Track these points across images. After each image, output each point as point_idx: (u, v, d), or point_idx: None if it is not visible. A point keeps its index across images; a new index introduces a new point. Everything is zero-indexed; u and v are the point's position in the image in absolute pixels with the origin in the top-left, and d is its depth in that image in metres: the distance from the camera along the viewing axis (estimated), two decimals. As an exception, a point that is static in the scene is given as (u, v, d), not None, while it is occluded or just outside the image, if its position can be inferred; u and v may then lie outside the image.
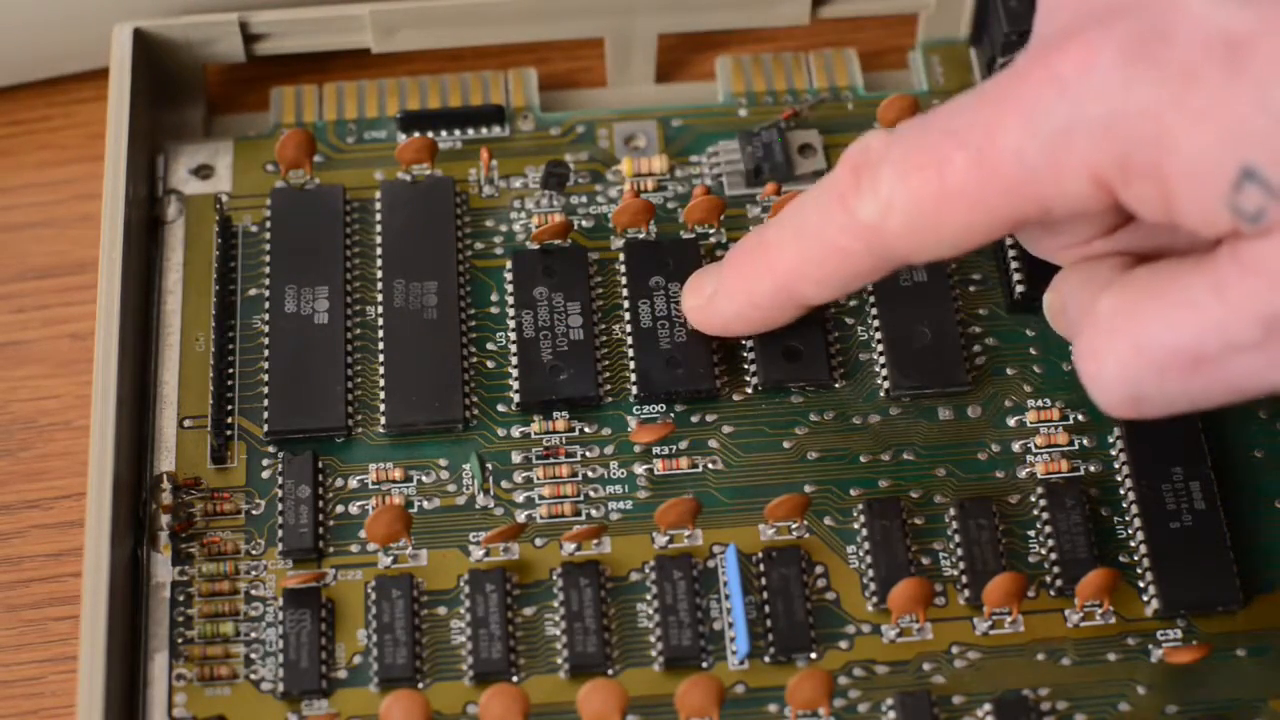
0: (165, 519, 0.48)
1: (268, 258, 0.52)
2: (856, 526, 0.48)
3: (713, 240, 0.52)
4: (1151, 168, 0.40)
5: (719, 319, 0.49)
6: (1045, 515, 0.48)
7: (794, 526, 0.48)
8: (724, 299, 0.48)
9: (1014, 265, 0.51)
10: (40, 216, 0.56)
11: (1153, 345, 0.41)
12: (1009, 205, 0.41)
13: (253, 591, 0.47)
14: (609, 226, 0.53)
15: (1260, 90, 0.38)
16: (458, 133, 0.54)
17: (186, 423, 0.50)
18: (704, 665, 0.47)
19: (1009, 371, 0.50)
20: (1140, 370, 0.41)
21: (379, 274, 0.51)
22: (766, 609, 0.47)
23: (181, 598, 0.47)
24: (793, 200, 0.47)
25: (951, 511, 0.48)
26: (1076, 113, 0.40)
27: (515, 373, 0.50)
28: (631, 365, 0.50)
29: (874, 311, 0.51)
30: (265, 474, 0.49)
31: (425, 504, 0.49)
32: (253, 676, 0.46)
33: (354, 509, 0.49)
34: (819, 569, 0.48)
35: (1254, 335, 0.40)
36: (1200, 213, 0.40)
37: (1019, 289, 0.51)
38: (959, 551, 0.48)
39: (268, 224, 0.52)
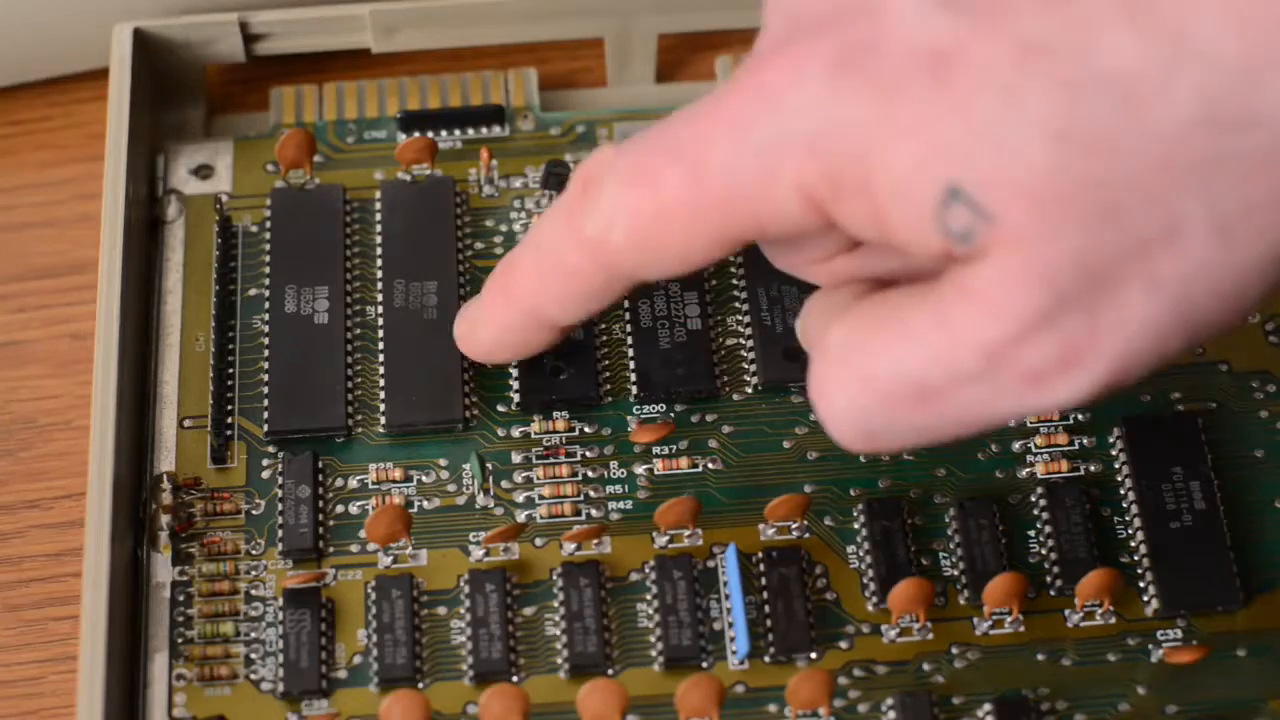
0: (165, 519, 0.48)
1: (268, 258, 0.52)
2: (856, 526, 0.48)
3: (713, 240, 0.52)
4: (860, 185, 0.38)
5: (483, 347, 0.48)
6: (1045, 515, 0.48)
7: (794, 526, 0.48)
8: (482, 327, 0.47)
9: (1014, 265, 0.51)
10: (40, 216, 0.56)
11: (878, 378, 0.39)
12: (725, 223, 0.40)
13: (253, 591, 0.47)
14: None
15: (965, 103, 0.37)
16: (458, 133, 0.54)
17: (186, 423, 0.50)
18: (704, 665, 0.47)
19: (1009, 371, 0.50)
20: (868, 403, 0.40)
21: (379, 274, 0.51)
22: (766, 609, 0.47)
23: (181, 598, 0.47)
24: (537, 218, 0.46)
25: (951, 511, 0.48)
26: (784, 127, 0.39)
27: (515, 373, 0.50)
28: (631, 365, 0.50)
29: (874, 311, 0.51)
30: (265, 474, 0.49)
31: (425, 504, 0.49)
32: (253, 676, 0.46)
33: (354, 509, 0.49)
34: (819, 569, 0.48)
35: (977, 366, 0.38)
36: (910, 232, 0.38)
37: (1019, 289, 0.51)
38: (959, 551, 0.48)
39: (268, 224, 0.52)
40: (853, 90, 0.38)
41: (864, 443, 0.41)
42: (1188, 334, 0.38)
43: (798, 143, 0.39)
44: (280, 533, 0.48)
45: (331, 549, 0.48)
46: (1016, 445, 0.49)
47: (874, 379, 0.40)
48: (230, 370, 0.50)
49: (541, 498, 0.49)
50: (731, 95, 0.40)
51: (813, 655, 0.47)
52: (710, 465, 0.49)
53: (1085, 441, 0.49)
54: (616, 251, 0.42)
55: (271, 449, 0.49)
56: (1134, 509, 0.48)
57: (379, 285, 0.51)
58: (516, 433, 0.50)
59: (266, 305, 0.51)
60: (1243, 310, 0.38)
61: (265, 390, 0.50)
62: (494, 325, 0.47)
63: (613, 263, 0.43)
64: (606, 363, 0.50)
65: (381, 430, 0.49)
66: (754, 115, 0.39)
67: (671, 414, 0.50)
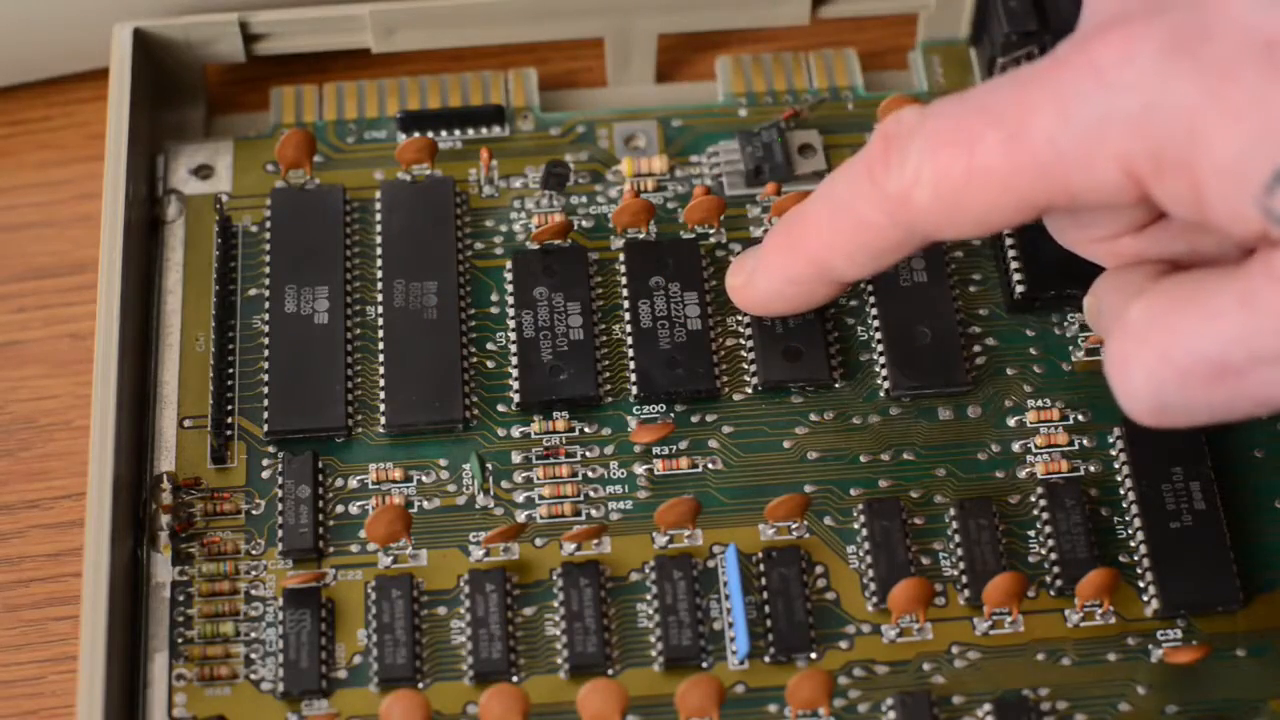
0: (165, 519, 0.48)
1: (268, 258, 0.52)
2: (856, 526, 0.48)
3: (713, 240, 0.52)
4: (1183, 163, 0.39)
5: (759, 298, 0.49)
6: (1045, 515, 0.48)
7: (794, 526, 0.48)
8: (761, 276, 0.48)
9: (1014, 265, 0.51)
10: (40, 216, 0.56)
11: (1178, 354, 0.41)
12: (1036, 189, 0.41)
13: (253, 591, 0.47)
14: (609, 226, 0.53)
15: None
16: (458, 133, 0.54)
17: (186, 423, 0.50)
18: (704, 665, 0.47)
19: (1009, 371, 0.50)
20: (1165, 379, 0.41)
21: (379, 274, 0.51)
22: (766, 609, 0.47)
23: (181, 598, 0.47)
24: (831, 173, 0.46)
25: (951, 511, 0.48)
26: (1112, 102, 0.40)
27: (515, 373, 0.50)
28: (631, 365, 0.50)
29: (874, 311, 0.51)
30: (265, 474, 0.49)
31: (425, 504, 0.49)
32: (253, 676, 0.46)
33: (354, 509, 0.49)
34: (819, 569, 0.48)
35: (1278, 347, 0.39)
36: (1230, 212, 0.39)
37: (1019, 289, 0.51)
38: (959, 551, 0.48)
39: (268, 224, 0.52)
40: (1184, 71, 0.39)
41: (1157, 417, 0.42)
42: None
43: (1125, 118, 0.40)
44: (280, 533, 0.48)
45: (331, 549, 0.48)
46: (1016, 445, 0.49)
47: (1174, 355, 0.41)
48: (230, 370, 0.50)
49: (541, 498, 0.49)
50: (1059, 68, 0.41)
51: (813, 655, 0.47)
52: (710, 465, 0.49)
53: (1085, 441, 0.49)
54: (919, 210, 0.43)
55: (271, 449, 0.49)
56: (1134, 509, 0.48)
57: (379, 285, 0.51)
58: (516, 433, 0.50)
59: (266, 305, 0.51)
60: None
61: (265, 390, 0.50)
62: (776, 275, 0.48)
63: (913, 221, 0.43)
64: (606, 363, 0.50)
65: (381, 430, 0.49)
66: (1082, 88, 0.40)
67: (671, 414, 0.50)
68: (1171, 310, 0.41)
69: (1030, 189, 0.42)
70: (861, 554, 0.48)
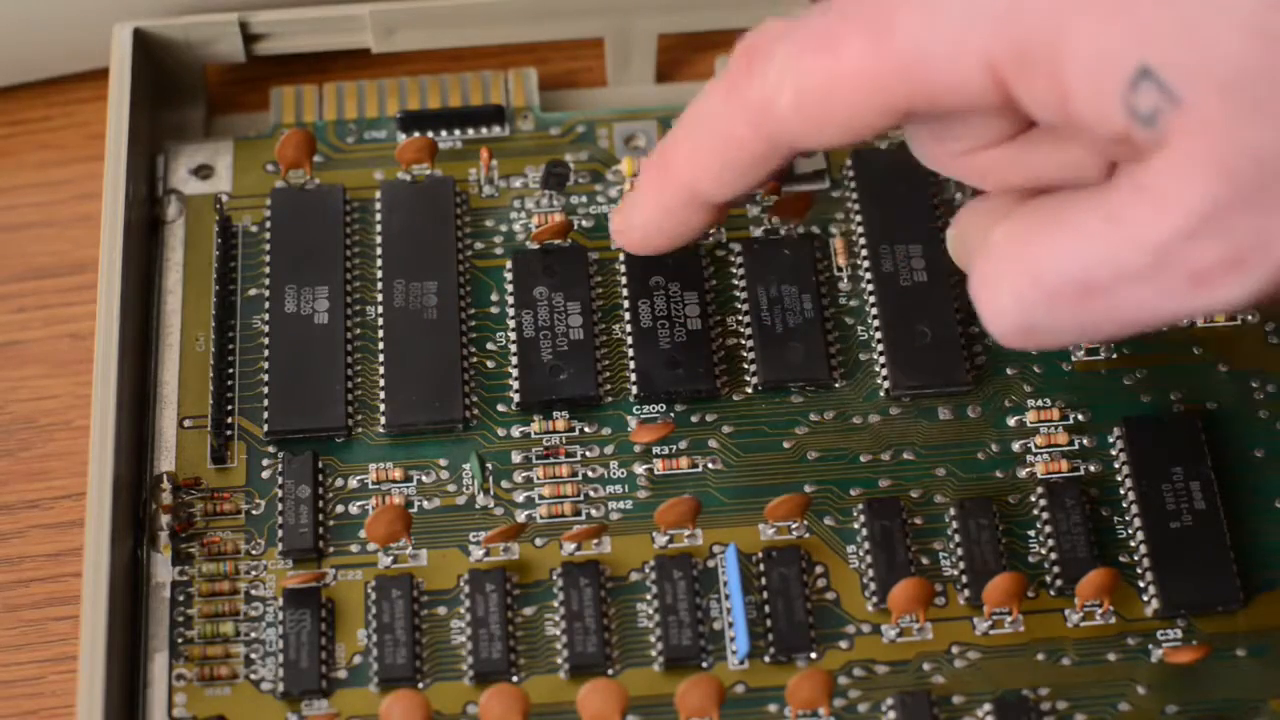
0: (165, 519, 0.48)
1: (268, 258, 0.52)
2: (856, 526, 0.48)
3: (712, 240, 0.52)
4: (1048, 61, 0.39)
5: (638, 233, 0.48)
6: (1045, 515, 0.48)
7: (794, 526, 0.48)
8: (636, 212, 0.48)
9: (1014, 265, 0.51)
10: (40, 216, 0.56)
11: (1044, 274, 0.40)
12: (899, 91, 0.41)
13: (253, 591, 0.47)
14: (609, 226, 0.53)
15: None
16: (458, 133, 0.54)
17: (186, 423, 0.50)
18: (704, 665, 0.47)
19: (1009, 371, 0.50)
20: (1032, 300, 0.41)
21: (379, 274, 0.51)
22: (766, 609, 0.47)
23: (181, 598, 0.47)
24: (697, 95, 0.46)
25: (951, 511, 0.48)
26: (977, 0, 0.40)
27: (515, 373, 0.50)
28: (631, 365, 0.50)
29: (874, 311, 0.51)
30: (265, 474, 0.49)
31: (425, 504, 0.49)
32: (253, 676, 0.46)
33: (354, 509, 0.49)
34: (819, 569, 0.48)
35: (1145, 264, 0.39)
36: (1094, 109, 0.39)
37: (1019, 289, 0.51)
38: (959, 551, 0.48)
39: (268, 224, 0.52)
40: None
41: (1023, 338, 0.42)
42: None
43: (990, 16, 0.39)
44: (280, 533, 0.48)
45: (331, 549, 0.48)
46: (1016, 445, 0.49)
47: (1040, 275, 0.40)
48: (230, 370, 0.50)
49: (541, 498, 0.49)
50: None
51: (813, 655, 0.47)
52: (710, 465, 0.49)
53: (1085, 441, 0.49)
54: (782, 119, 0.43)
55: (271, 449, 0.49)
56: (1134, 509, 0.48)
57: (379, 285, 0.51)
58: (516, 433, 0.50)
59: (266, 305, 0.51)
60: None
61: (265, 390, 0.50)
62: (650, 206, 0.47)
63: (777, 130, 0.43)
64: (606, 363, 0.50)
65: (381, 430, 0.49)
66: None
67: (671, 414, 0.50)
68: (1037, 230, 0.41)
69: (893, 91, 0.41)
70: (861, 554, 0.48)
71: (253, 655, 0.47)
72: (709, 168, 0.45)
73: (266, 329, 0.51)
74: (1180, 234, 0.38)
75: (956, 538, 0.48)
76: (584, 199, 0.53)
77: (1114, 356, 0.51)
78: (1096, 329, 0.41)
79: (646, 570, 0.48)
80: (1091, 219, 0.40)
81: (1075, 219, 0.40)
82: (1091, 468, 0.49)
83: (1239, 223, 0.38)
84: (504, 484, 0.49)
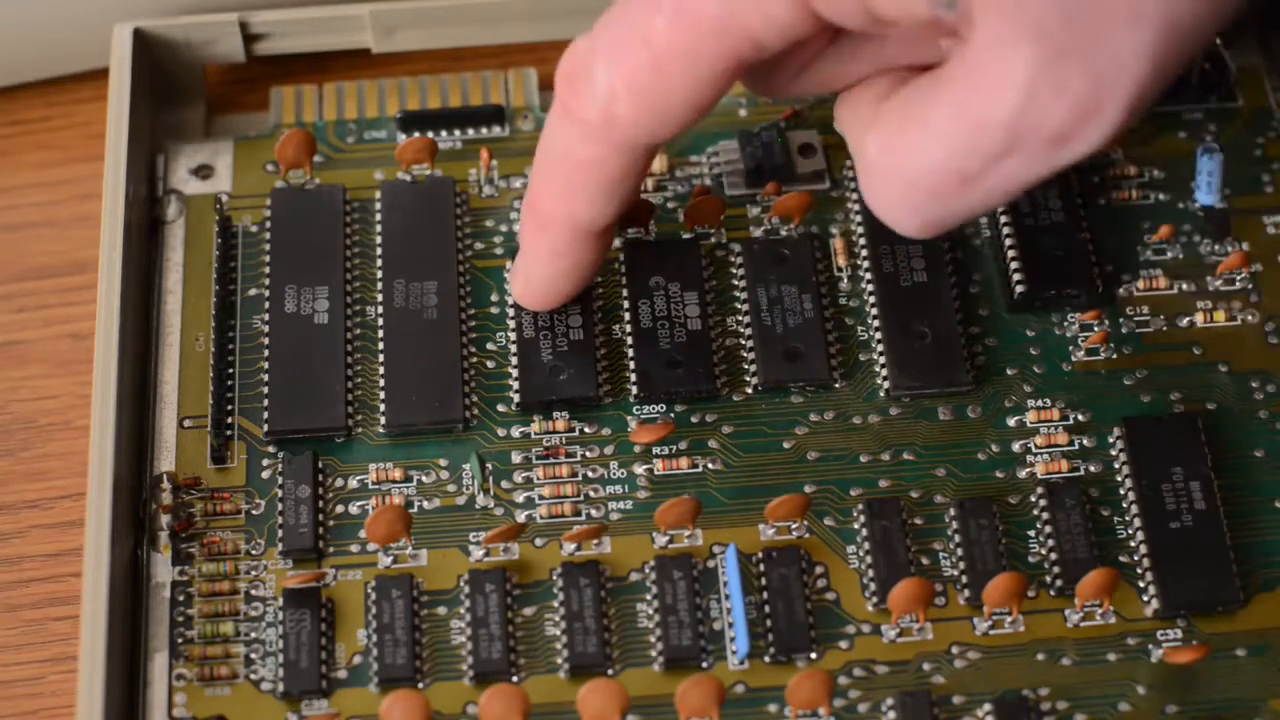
0: (165, 519, 0.48)
1: (268, 258, 0.52)
2: (856, 526, 0.48)
3: (713, 240, 0.52)
4: None
5: (540, 287, 0.49)
6: (1045, 515, 0.48)
7: (794, 526, 0.48)
8: (532, 266, 0.49)
9: (1014, 265, 0.51)
10: (40, 216, 0.56)
11: (920, 177, 0.42)
12: (722, 48, 0.42)
13: (253, 591, 0.47)
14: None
15: None
16: (458, 133, 0.54)
17: (186, 423, 0.50)
18: (704, 665, 0.47)
19: (1009, 371, 0.50)
20: (920, 201, 0.43)
21: (379, 274, 0.51)
22: (766, 609, 0.47)
23: (181, 598, 0.47)
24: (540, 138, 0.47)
25: (951, 511, 0.48)
26: None
27: (515, 373, 0.50)
28: (631, 365, 0.50)
29: (874, 311, 0.51)
30: (265, 474, 0.49)
31: (425, 504, 0.49)
32: (253, 676, 0.46)
33: (354, 509, 0.49)
34: (819, 569, 0.48)
35: (1003, 143, 0.41)
36: (896, 6, 0.41)
37: (1019, 289, 0.51)
38: (959, 551, 0.48)
39: (268, 224, 0.52)
40: None
41: (930, 230, 0.44)
42: (1181, 50, 0.40)
43: None
44: (280, 533, 0.48)
45: (331, 549, 0.48)
46: (1016, 445, 0.49)
47: (917, 179, 0.42)
48: (230, 370, 0.50)
49: (541, 498, 0.49)
50: None
51: (813, 655, 0.47)
52: (710, 465, 0.49)
53: (1085, 441, 0.49)
54: (628, 122, 0.44)
55: (271, 449, 0.49)
56: (1134, 509, 0.48)
57: (379, 285, 0.51)
58: (516, 433, 0.50)
59: (266, 305, 0.51)
60: (1227, 7, 0.40)
61: (265, 390, 0.50)
62: (541, 258, 0.48)
63: (627, 136, 0.44)
64: (606, 363, 0.50)
65: (381, 430, 0.49)
66: None
67: (671, 414, 0.50)
68: (899, 137, 0.42)
69: (716, 52, 0.42)
70: (861, 554, 0.48)
71: (253, 655, 0.47)
72: (580, 199, 0.46)
73: (266, 329, 0.51)
74: (1021, 105, 0.40)
75: (956, 538, 0.48)
76: (584, 199, 0.53)
77: (1114, 357, 0.51)
78: (985, 204, 0.43)
79: (646, 570, 0.48)
80: (942, 115, 0.41)
81: (930, 119, 0.42)
82: (1091, 468, 0.49)
83: (1068, 74, 0.40)
84: (504, 484, 0.49)
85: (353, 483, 0.49)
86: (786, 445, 0.49)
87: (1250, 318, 0.51)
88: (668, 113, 0.43)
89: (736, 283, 0.51)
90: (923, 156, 0.42)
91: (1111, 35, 0.39)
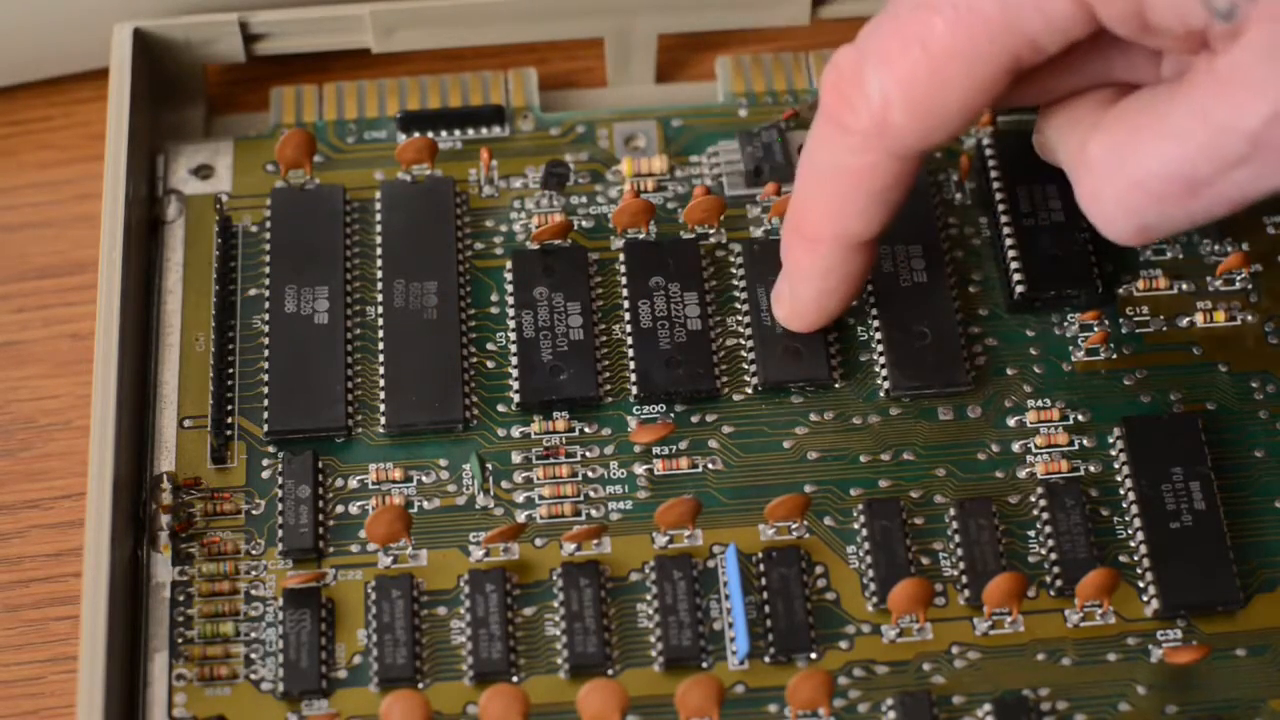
0: (165, 519, 0.48)
1: (268, 258, 0.52)
2: (856, 526, 0.48)
3: (713, 240, 0.52)
4: None
5: (809, 308, 0.49)
6: (1045, 515, 0.48)
7: (794, 526, 0.48)
8: (799, 285, 0.48)
9: (1014, 265, 0.51)
10: (40, 216, 0.56)
11: (1149, 180, 0.42)
12: (1000, 50, 0.42)
13: (253, 591, 0.47)
14: (609, 226, 0.53)
15: None
16: (458, 133, 0.54)
17: (186, 423, 0.50)
18: (704, 665, 0.47)
19: (1009, 371, 0.50)
20: (1141, 204, 0.42)
21: (379, 274, 0.51)
22: (766, 609, 0.47)
23: (181, 598, 0.47)
24: (801, 154, 0.46)
25: (951, 511, 0.48)
26: None
27: (515, 373, 0.50)
28: (631, 365, 0.50)
29: (874, 311, 0.51)
30: (265, 474, 0.49)
31: (425, 504, 0.49)
32: (253, 676, 0.46)
33: (354, 509, 0.49)
34: (819, 569, 0.48)
35: (1243, 151, 0.41)
36: (1173, 13, 0.40)
37: (1019, 289, 0.51)
38: (959, 551, 0.48)
39: (268, 224, 0.52)
40: None
41: (1138, 236, 0.44)
42: None
43: None
44: (280, 533, 0.48)
45: (331, 549, 0.48)
46: (1016, 445, 0.49)
47: (1145, 182, 0.42)
48: (230, 370, 0.50)
49: (541, 498, 0.49)
50: None
51: (813, 655, 0.47)
52: (710, 465, 0.49)
53: (1085, 441, 0.49)
54: (902, 130, 0.43)
55: (271, 449, 0.49)
56: (1134, 509, 0.48)
57: (379, 285, 0.51)
58: (516, 433, 0.50)
59: (266, 305, 0.51)
60: None
61: (265, 390, 0.50)
62: (810, 276, 0.48)
63: (901, 144, 0.44)
64: (606, 363, 0.50)
65: (381, 430, 0.49)
66: None
67: (671, 414, 0.50)
68: (1133, 139, 0.42)
69: (995, 55, 0.42)
70: (861, 554, 0.48)
71: (253, 655, 0.47)
72: (852, 212, 0.46)
73: (266, 329, 0.51)
74: (1273, 115, 0.40)
75: (956, 538, 0.48)
76: (584, 199, 0.53)
77: (1114, 357, 0.51)
78: (1207, 214, 0.43)
79: (646, 570, 0.48)
80: (1183, 119, 0.41)
81: (1167, 122, 0.41)
82: (1091, 468, 0.49)
83: None
84: (504, 484, 0.49)
85: (353, 483, 0.49)
86: (786, 445, 0.49)
87: (1250, 318, 0.51)
88: (945, 117, 0.43)
89: (736, 283, 0.51)
90: (1155, 157, 0.42)
91: None
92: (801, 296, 0.48)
